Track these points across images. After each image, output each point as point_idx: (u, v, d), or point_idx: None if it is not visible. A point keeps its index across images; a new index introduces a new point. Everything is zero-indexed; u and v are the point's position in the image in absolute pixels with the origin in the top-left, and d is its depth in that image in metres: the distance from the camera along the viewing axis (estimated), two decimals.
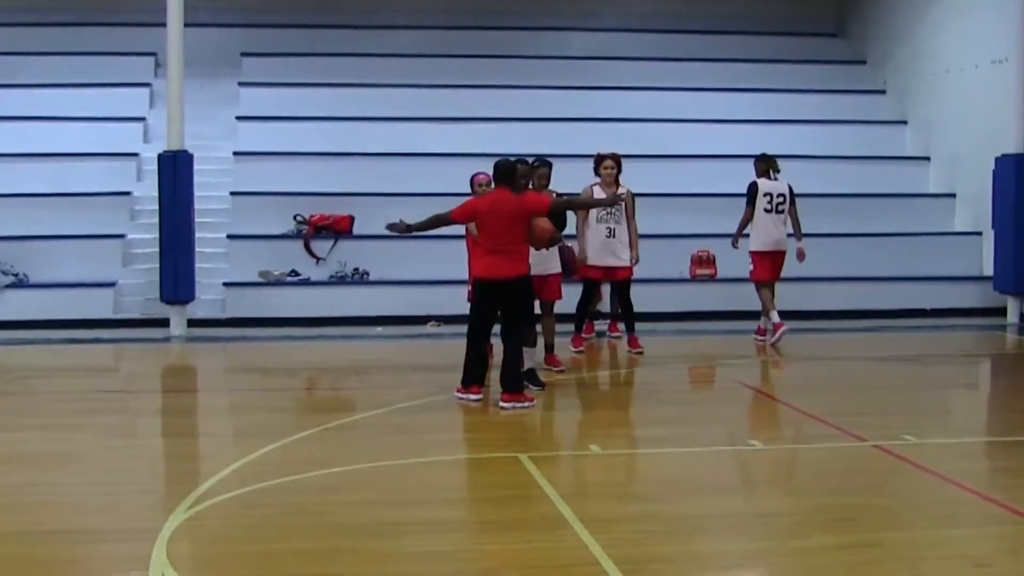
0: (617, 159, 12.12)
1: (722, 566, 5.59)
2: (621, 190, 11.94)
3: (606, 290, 13.36)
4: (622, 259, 12.08)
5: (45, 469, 7.37)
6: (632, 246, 12.11)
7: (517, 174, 9.50)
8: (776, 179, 13.04)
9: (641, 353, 12.09)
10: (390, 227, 9.58)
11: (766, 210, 12.89)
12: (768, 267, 12.96)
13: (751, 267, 13.03)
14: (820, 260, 15.95)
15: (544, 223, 9.43)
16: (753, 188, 12.97)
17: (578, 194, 11.86)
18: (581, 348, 12.38)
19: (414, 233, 9.69)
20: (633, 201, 12.10)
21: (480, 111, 17.47)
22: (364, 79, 18.07)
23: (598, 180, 12.09)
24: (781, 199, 12.94)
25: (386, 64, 18.46)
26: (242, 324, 14.42)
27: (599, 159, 12.15)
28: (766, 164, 13.04)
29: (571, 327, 12.38)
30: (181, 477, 7.36)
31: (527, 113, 17.51)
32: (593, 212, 11.98)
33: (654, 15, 19.93)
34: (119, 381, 12.01)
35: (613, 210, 11.90)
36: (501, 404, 9.13)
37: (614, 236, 12.01)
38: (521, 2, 19.78)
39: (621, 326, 12.88)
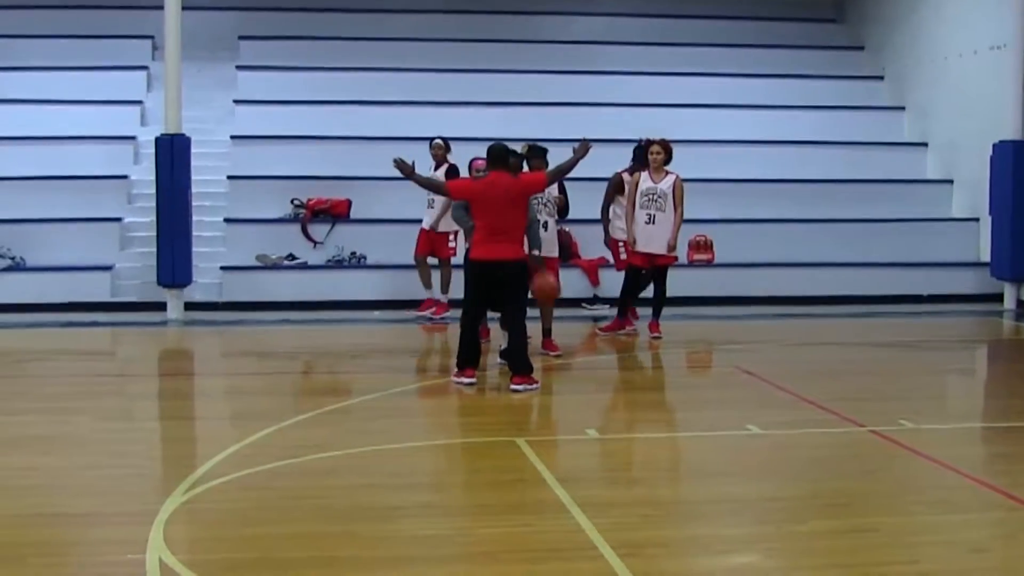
0: (665, 145, 12.11)
1: (719, 550, 5.59)
2: (669, 177, 12.03)
3: (611, 280, 13.37)
4: (661, 246, 12.06)
5: (42, 452, 7.37)
6: (672, 233, 12.06)
7: (510, 157, 9.51)
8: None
9: (659, 338, 12.08)
10: (397, 162, 9.51)
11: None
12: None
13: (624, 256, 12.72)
14: (817, 246, 16.07)
15: (545, 283, 9.63)
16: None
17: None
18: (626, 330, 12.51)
19: (412, 179, 9.64)
20: (682, 189, 12.08)
21: (479, 95, 17.41)
22: (362, 63, 18.00)
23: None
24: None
25: (385, 48, 18.38)
26: (239, 308, 14.39)
27: (648, 144, 12.19)
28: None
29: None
30: (178, 460, 7.38)
31: (527, 97, 17.45)
32: (638, 199, 12.03)
33: (655, 0, 19.88)
34: (116, 365, 12.00)
35: (655, 197, 11.96)
36: (512, 387, 9.13)
37: (654, 223, 12.00)
38: None
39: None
